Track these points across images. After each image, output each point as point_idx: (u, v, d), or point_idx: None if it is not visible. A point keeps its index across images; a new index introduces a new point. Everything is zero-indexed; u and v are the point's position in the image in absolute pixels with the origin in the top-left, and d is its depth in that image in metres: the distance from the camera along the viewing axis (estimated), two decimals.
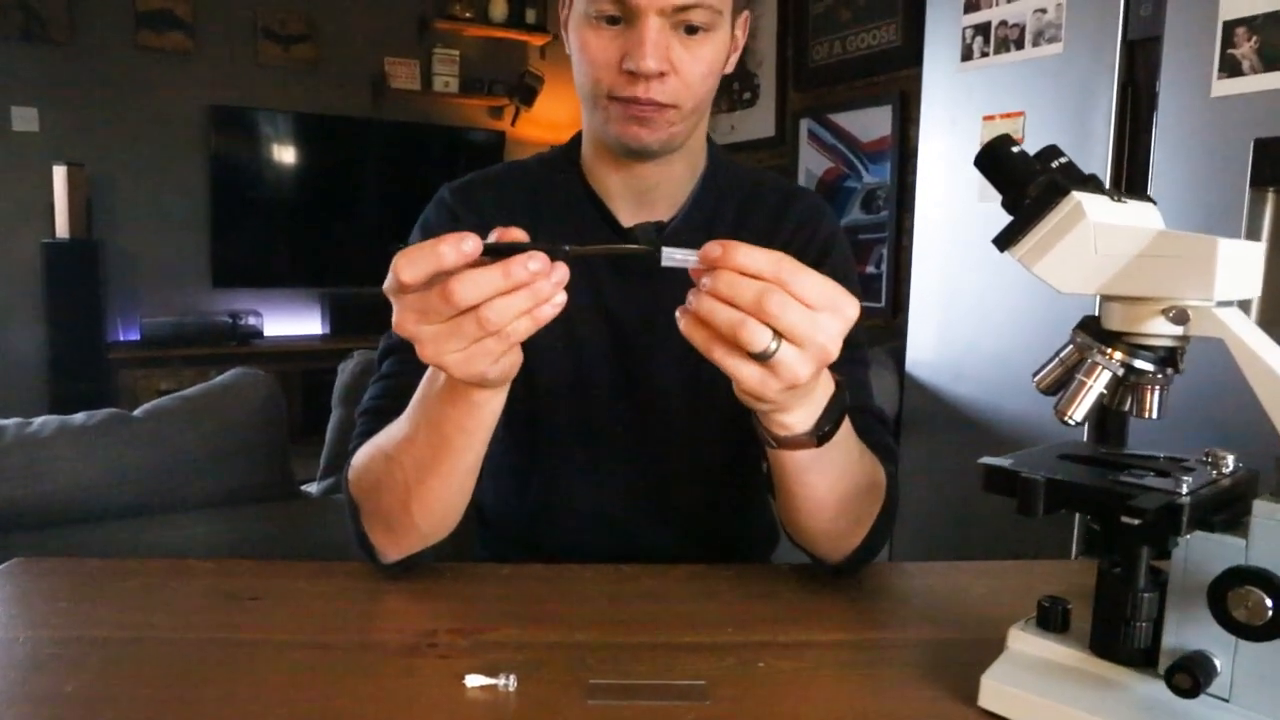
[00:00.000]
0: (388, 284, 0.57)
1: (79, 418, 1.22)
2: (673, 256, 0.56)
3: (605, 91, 0.82)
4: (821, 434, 0.67)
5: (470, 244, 0.54)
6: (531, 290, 0.55)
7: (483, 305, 0.54)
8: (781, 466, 0.72)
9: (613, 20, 0.80)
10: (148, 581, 0.81)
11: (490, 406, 0.68)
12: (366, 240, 4.23)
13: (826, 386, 0.67)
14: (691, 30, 0.80)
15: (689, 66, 0.81)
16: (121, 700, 0.60)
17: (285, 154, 4.15)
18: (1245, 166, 1.59)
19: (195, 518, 1.22)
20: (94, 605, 0.76)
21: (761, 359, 0.56)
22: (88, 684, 0.62)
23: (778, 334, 0.55)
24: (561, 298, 0.57)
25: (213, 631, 0.71)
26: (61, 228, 3.52)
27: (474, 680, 0.62)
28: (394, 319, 0.58)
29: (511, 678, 0.62)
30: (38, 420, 1.22)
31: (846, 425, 0.72)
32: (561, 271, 0.56)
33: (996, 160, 0.59)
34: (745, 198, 0.96)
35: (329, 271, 4.23)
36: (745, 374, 0.57)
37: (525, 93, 4.54)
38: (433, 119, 4.43)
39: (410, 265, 0.55)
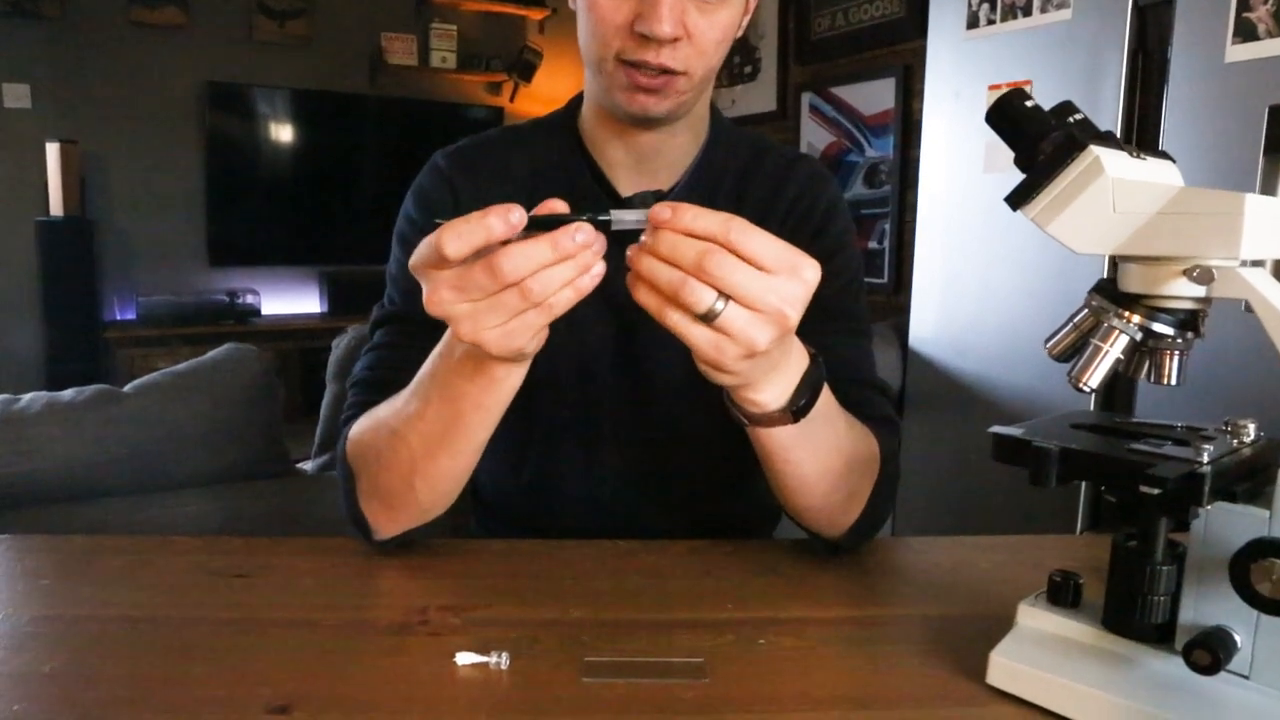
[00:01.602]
0: (423, 259, 0.55)
1: (67, 394, 1.20)
2: (623, 219, 0.55)
3: (613, 54, 0.78)
4: (797, 409, 0.65)
5: (517, 215, 0.53)
6: (577, 261, 0.54)
7: (527, 277, 0.53)
8: (763, 446, 0.70)
9: None
10: (133, 559, 0.79)
11: (510, 382, 0.66)
12: (364, 217, 4.19)
13: (800, 361, 0.65)
14: None
15: (704, 32, 0.77)
16: (101, 680, 0.58)
17: (281, 131, 4.10)
18: (1259, 134, 1.56)
19: (187, 495, 1.20)
20: (77, 583, 0.75)
21: (708, 320, 0.55)
22: (67, 663, 0.60)
23: (724, 295, 0.54)
24: (601, 267, 0.56)
25: (198, 610, 0.69)
26: (55, 206, 3.48)
27: (465, 658, 0.60)
28: (425, 298, 0.56)
29: (504, 655, 0.60)
30: (26, 397, 1.19)
31: (828, 400, 0.70)
32: (602, 241, 0.55)
33: (1009, 115, 0.57)
34: (746, 166, 0.93)
35: (327, 249, 4.19)
36: (697, 337, 0.56)
37: (524, 68, 4.48)
38: (430, 95, 4.38)
39: (457, 239, 0.53)
